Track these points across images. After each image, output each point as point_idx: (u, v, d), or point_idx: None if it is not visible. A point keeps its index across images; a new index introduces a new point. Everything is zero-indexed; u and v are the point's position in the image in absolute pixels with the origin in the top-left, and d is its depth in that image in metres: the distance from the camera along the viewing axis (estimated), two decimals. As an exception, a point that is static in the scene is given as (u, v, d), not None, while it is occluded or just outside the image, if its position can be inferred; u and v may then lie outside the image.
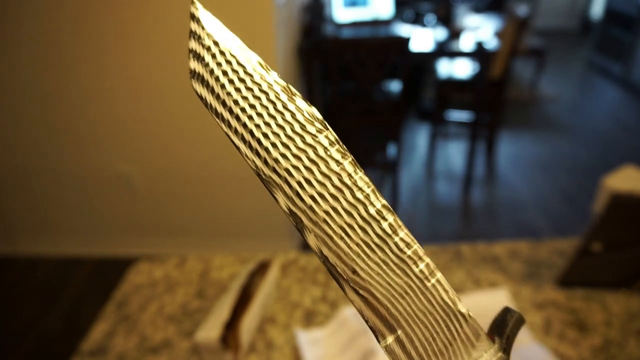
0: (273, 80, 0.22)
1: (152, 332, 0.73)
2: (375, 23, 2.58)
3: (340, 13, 2.55)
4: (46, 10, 1.61)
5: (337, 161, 0.21)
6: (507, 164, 2.76)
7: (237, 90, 0.22)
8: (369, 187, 0.21)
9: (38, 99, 1.78)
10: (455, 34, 2.32)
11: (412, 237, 0.21)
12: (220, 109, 0.22)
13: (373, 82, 1.97)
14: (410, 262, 0.20)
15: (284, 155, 0.21)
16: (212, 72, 0.22)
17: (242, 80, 0.22)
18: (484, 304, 0.73)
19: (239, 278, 0.73)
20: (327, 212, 0.21)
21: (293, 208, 0.21)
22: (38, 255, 2.08)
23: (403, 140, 2.99)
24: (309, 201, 0.21)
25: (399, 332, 0.20)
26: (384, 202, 0.21)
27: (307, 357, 0.66)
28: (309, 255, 0.88)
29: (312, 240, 0.21)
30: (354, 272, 0.20)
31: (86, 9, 1.60)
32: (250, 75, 0.22)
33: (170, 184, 1.92)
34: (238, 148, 0.22)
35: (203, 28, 0.23)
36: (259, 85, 0.22)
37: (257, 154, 0.21)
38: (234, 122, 0.22)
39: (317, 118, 0.22)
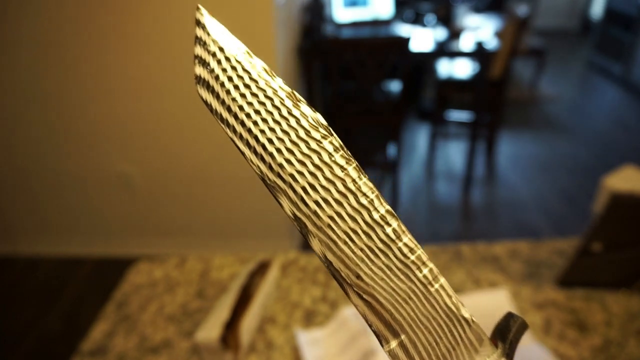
0: (278, 86, 0.22)
1: (152, 332, 0.73)
2: (375, 23, 2.58)
3: (340, 13, 2.55)
4: (46, 10, 1.61)
5: (341, 167, 0.21)
6: (507, 164, 2.76)
7: (243, 96, 0.22)
8: (373, 192, 0.21)
9: (38, 99, 1.78)
10: (455, 34, 2.32)
11: (416, 243, 0.21)
12: (225, 114, 0.22)
13: (373, 82, 1.97)
14: (413, 267, 0.20)
15: (288, 161, 0.21)
16: (217, 78, 0.23)
17: (247, 86, 0.22)
18: (484, 304, 0.73)
19: (239, 278, 0.73)
20: (331, 218, 0.21)
21: (297, 213, 0.21)
22: (38, 255, 2.08)
23: (403, 140, 2.99)
24: (313, 206, 0.21)
25: (403, 336, 0.20)
26: (388, 207, 0.21)
27: (307, 357, 0.66)
28: (309, 255, 0.88)
29: (316, 245, 0.21)
30: (358, 277, 0.20)
31: (86, 9, 1.60)
32: (256, 82, 0.22)
33: (170, 184, 1.92)
34: (243, 153, 0.22)
35: (208, 34, 0.23)
36: (264, 91, 0.22)
37: (262, 160, 0.22)
38: (239, 128, 0.22)
39: (322, 124, 0.22)
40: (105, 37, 1.65)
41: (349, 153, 0.21)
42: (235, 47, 0.23)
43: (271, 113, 0.22)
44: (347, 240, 0.20)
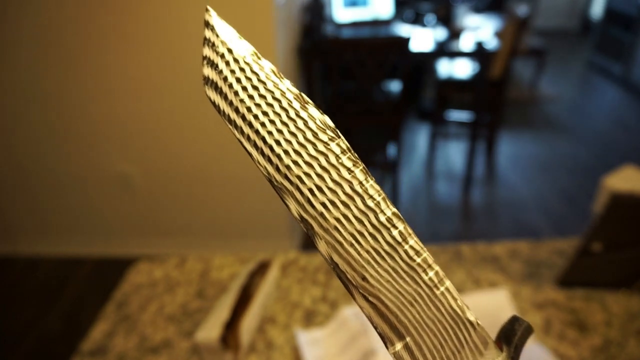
0: (286, 88, 0.22)
1: (152, 332, 0.73)
2: (375, 23, 2.58)
3: (340, 13, 2.55)
4: (46, 10, 1.61)
5: (348, 169, 0.21)
6: (507, 164, 2.76)
7: (250, 97, 0.22)
8: (379, 195, 0.21)
9: (38, 99, 1.78)
10: (455, 34, 2.32)
11: (422, 245, 0.21)
12: (233, 115, 0.22)
13: (373, 82, 1.97)
14: (419, 270, 0.21)
15: (295, 163, 0.21)
16: (225, 79, 0.23)
17: (255, 88, 0.22)
18: (484, 304, 0.73)
19: (239, 278, 0.73)
20: (338, 220, 0.21)
21: (304, 215, 0.21)
22: (38, 255, 2.08)
23: (403, 140, 2.99)
24: (320, 208, 0.21)
25: (408, 339, 0.20)
26: (394, 210, 0.21)
27: (307, 357, 0.66)
28: (309, 255, 0.88)
29: (322, 247, 0.21)
30: (364, 279, 0.20)
31: (86, 9, 1.60)
32: (264, 83, 0.22)
33: (170, 184, 1.92)
34: (250, 155, 0.22)
35: (217, 36, 0.23)
36: (272, 93, 0.22)
37: (270, 161, 0.22)
38: (246, 129, 0.22)
39: (329, 126, 0.22)
40: (105, 37, 1.65)
41: (356, 155, 0.22)
42: (243, 49, 0.23)
43: (279, 115, 0.22)
44: (354, 242, 0.21)
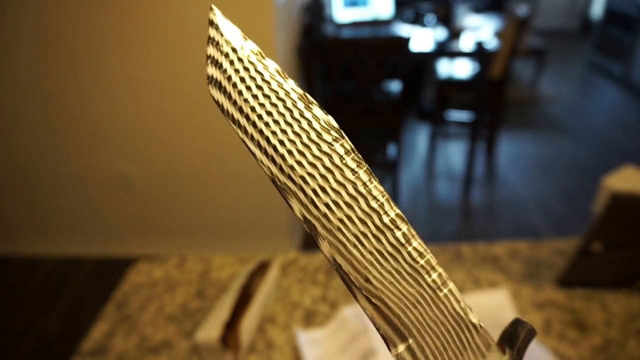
0: (290, 88, 0.22)
1: (152, 332, 0.73)
2: (375, 23, 2.58)
3: (340, 13, 2.55)
4: (46, 10, 1.61)
5: (352, 170, 0.21)
6: (507, 164, 2.76)
7: (255, 97, 0.22)
8: (383, 196, 0.21)
9: (38, 99, 1.78)
10: (455, 34, 2.32)
11: (425, 247, 0.21)
12: (237, 115, 0.22)
13: (373, 82, 1.97)
14: (423, 272, 0.20)
15: (299, 163, 0.21)
16: (229, 78, 0.23)
17: (259, 88, 0.22)
18: (484, 304, 0.73)
19: (239, 278, 0.73)
20: (341, 220, 0.21)
21: (307, 215, 0.21)
22: (38, 255, 2.08)
23: (403, 140, 2.99)
24: (323, 209, 0.21)
25: (411, 341, 0.20)
26: (398, 211, 0.21)
27: (307, 357, 0.66)
28: (309, 255, 0.88)
29: (325, 248, 0.21)
30: (367, 280, 0.20)
31: (86, 9, 1.60)
32: (268, 83, 0.22)
33: (170, 184, 1.92)
34: (254, 154, 0.22)
35: (222, 35, 0.23)
36: (276, 92, 0.22)
37: (273, 161, 0.21)
38: (250, 129, 0.22)
39: (333, 126, 0.22)
40: (105, 37, 1.65)
41: (360, 156, 0.21)
42: (248, 48, 0.23)
43: (283, 115, 0.22)
44: (357, 243, 0.20)
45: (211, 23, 0.23)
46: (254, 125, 0.22)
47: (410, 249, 0.21)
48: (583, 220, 2.21)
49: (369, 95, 2.07)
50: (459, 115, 2.71)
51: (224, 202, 1.94)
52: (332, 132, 0.22)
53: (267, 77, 0.22)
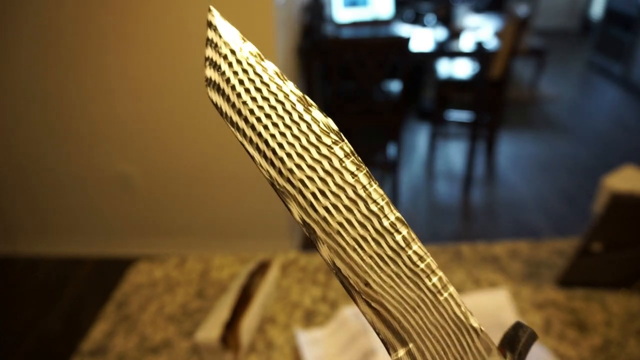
0: (289, 90, 0.22)
1: (152, 332, 0.73)
2: (375, 23, 2.58)
3: (340, 13, 2.55)
4: (46, 10, 1.61)
5: (351, 173, 0.21)
6: (507, 164, 2.76)
7: (253, 99, 0.22)
8: (383, 199, 0.21)
9: (38, 99, 1.78)
10: (455, 34, 2.32)
11: (425, 251, 0.21)
12: (235, 117, 0.22)
13: (373, 82, 1.97)
14: (423, 276, 0.20)
15: (298, 166, 0.21)
16: (228, 80, 0.22)
17: (258, 90, 0.22)
18: (484, 304, 0.73)
19: (239, 278, 0.73)
20: (340, 224, 0.20)
21: (307, 219, 0.21)
22: (38, 255, 2.08)
23: (403, 140, 2.99)
24: (323, 212, 0.21)
25: (411, 345, 0.20)
26: (398, 214, 0.21)
27: (307, 357, 0.66)
28: (309, 255, 0.88)
29: (325, 252, 0.20)
30: (367, 284, 0.20)
31: (86, 9, 1.60)
32: (267, 85, 0.22)
33: (170, 184, 1.92)
34: (252, 157, 0.22)
35: (220, 36, 0.23)
36: (275, 95, 0.22)
37: (272, 164, 0.21)
38: (249, 132, 0.22)
39: (333, 129, 0.22)
40: (105, 37, 1.65)
41: (360, 159, 0.21)
42: (247, 50, 0.23)
43: (282, 117, 0.22)
44: (357, 247, 0.20)
45: (209, 24, 0.23)
46: (253, 128, 0.22)
47: (410, 252, 0.20)
48: (583, 220, 2.21)
49: (369, 95, 2.07)
50: (459, 115, 2.71)
51: (224, 202, 1.94)
52: (332, 134, 0.22)
53: (266, 80, 0.22)
